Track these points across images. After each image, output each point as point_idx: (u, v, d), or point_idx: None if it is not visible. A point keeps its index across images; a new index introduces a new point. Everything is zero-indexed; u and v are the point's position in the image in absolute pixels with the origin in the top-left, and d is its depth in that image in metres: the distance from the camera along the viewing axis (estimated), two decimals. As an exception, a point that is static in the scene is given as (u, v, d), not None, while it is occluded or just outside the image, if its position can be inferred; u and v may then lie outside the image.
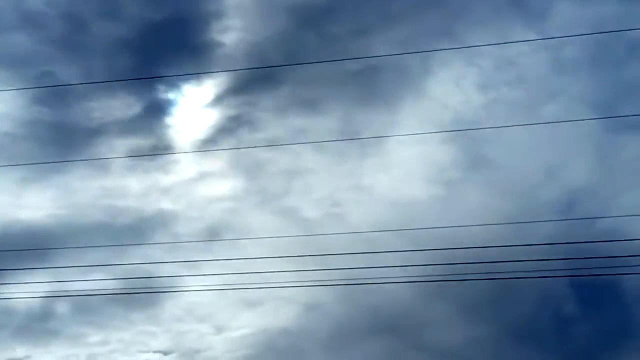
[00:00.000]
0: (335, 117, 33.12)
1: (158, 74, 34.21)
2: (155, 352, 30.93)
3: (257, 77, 34.04)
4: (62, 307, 30.72)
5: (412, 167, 31.16)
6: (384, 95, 32.89)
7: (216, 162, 32.94)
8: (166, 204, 32.77)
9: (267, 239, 30.49)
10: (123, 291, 26.70)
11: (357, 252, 23.70)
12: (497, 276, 21.91)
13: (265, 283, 25.34)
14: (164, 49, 34.59)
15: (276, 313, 30.47)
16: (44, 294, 27.55)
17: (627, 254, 20.40)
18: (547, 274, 21.77)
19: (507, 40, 31.12)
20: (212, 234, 31.73)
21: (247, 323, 31.23)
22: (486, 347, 28.40)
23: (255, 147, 31.76)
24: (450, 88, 32.34)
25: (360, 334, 29.88)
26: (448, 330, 28.87)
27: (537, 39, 28.11)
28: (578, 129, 26.93)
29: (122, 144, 33.27)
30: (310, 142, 30.99)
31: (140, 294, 27.24)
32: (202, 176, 32.96)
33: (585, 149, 29.63)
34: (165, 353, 30.70)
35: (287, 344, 30.31)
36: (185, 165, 32.61)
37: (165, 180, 32.78)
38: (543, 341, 28.53)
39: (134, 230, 32.04)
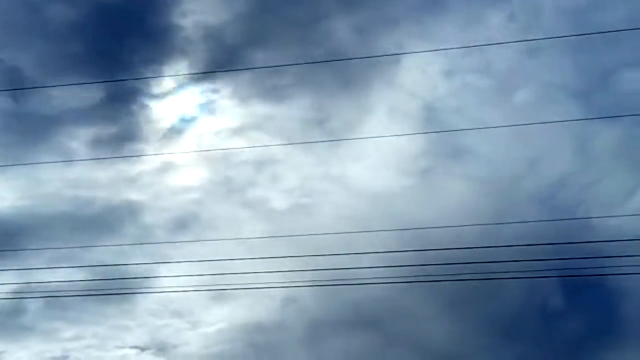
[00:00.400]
0: (302, 104, 32.91)
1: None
2: (131, 347, 30.72)
3: (221, 64, 33.83)
4: (33, 302, 30.34)
5: (384, 157, 30.82)
6: (351, 82, 32.67)
7: (182, 151, 32.53)
8: (133, 195, 32.32)
9: (237, 231, 30.47)
10: (95, 285, 26.25)
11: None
12: (480, 270, 21.88)
13: (243, 279, 25.07)
14: (120, 32, 34.07)
15: (252, 307, 30.26)
16: (13, 290, 27.15)
17: (612, 250, 20.52)
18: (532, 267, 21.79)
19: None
20: (181, 226, 31.53)
21: (223, 318, 31.05)
22: (467, 340, 28.53)
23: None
24: (418, 75, 32.12)
25: (337, 328, 29.84)
26: (427, 324, 28.88)
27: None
28: (554, 116, 26.98)
29: (84, 133, 32.78)
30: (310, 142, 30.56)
31: (113, 288, 26.63)
32: (168, 166, 32.42)
33: (563, 137, 29.69)
34: (142, 349, 30.48)
35: (264, 339, 30.17)
36: (150, 155, 32.19)
37: (131, 170, 32.28)
38: (520, 333, 28.76)
39: (101, 222, 31.67)
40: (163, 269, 26.91)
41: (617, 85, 29.78)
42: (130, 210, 31.88)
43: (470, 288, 24.18)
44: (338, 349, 29.33)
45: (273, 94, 32.78)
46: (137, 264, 26.69)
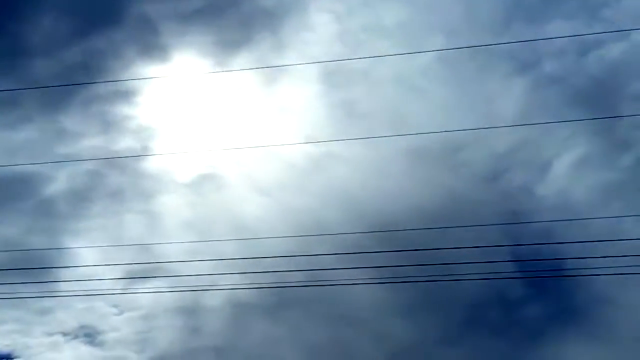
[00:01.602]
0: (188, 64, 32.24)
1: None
2: (60, 333, 29.74)
3: (98, 22, 32.80)
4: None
5: (291, 123, 30.60)
6: (232, 37, 32.18)
7: (72, 118, 31.40)
8: (23, 165, 30.91)
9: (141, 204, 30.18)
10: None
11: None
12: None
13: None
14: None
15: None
16: None
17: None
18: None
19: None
20: (79, 196, 30.71)
21: (146, 301, 29.62)
22: (404, 317, 28.45)
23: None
24: (308, 35, 31.90)
25: (263, 309, 28.78)
26: (357, 301, 28.12)
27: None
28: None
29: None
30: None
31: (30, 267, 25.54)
32: (59, 134, 31.27)
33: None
34: (73, 336, 29.64)
35: (190, 323, 29.49)
36: (39, 124, 31.11)
37: (16, 138, 31.02)
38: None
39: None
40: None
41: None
42: (25, 181, 30.71)
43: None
44: (261, 330, 29.00)
45: (154, 53, 32.06)
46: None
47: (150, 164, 30.89)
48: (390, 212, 25.94)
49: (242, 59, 31.31)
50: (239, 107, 30.41)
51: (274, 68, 30.47)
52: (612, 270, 18.67)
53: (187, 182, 31.10)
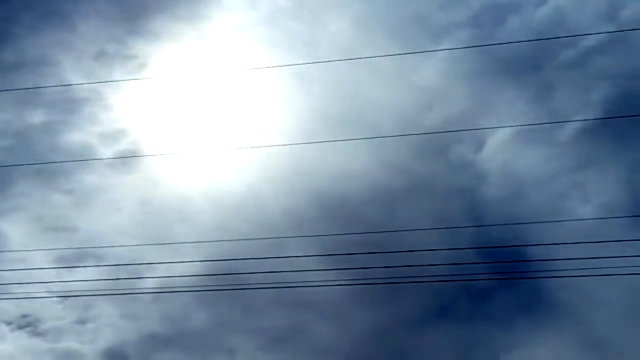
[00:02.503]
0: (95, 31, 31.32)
1: None
2: (3, 322, 28.78)
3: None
4: None
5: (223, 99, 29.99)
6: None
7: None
8: None
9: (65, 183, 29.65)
10: None
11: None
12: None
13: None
14: None
15: (111, 273, 28.45)
16: None
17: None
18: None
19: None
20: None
21: (86, 289, 28.68)
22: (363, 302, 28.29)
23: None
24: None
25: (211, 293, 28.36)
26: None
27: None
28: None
29: None
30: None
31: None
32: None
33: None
34: (18, 325, 28.76)
35: (134, 310, 28.99)
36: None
37: None
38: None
39: None
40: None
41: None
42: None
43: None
44: (214, 316, 28.59)
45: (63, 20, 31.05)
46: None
47: (69, 140, 30.22)
48: (342, 188, 26.22)
49: (154, 26, 30.95)
50: (161, 77, 29.36)
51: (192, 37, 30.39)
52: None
53: (109, 159, 29.80)
